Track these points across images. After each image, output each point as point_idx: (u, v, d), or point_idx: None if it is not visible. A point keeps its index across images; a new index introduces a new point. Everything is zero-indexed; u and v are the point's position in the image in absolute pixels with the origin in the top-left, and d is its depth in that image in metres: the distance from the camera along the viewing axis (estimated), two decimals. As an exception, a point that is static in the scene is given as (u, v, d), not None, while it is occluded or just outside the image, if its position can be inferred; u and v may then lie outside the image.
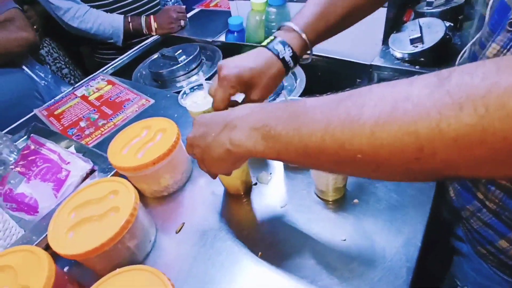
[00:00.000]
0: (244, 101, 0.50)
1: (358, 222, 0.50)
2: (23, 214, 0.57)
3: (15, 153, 0.66)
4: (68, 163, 0.59)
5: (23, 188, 0.56)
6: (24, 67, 1.04)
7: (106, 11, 1.23)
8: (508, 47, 0.37)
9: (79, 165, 0.60)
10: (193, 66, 1.02)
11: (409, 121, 0.22)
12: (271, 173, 0.61)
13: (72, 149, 0.67)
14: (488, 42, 0.42)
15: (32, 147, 0.59)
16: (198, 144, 0.41)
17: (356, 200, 0.53)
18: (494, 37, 0.39)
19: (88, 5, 1.20)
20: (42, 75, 1.09)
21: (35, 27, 1.21)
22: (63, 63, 1.35)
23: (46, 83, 1.09)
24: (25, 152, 0.60)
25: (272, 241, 0.51)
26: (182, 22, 1.25)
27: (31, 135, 0.63)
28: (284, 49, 0.48)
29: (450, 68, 0.22)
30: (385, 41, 0.88)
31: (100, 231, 0.46)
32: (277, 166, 0.63)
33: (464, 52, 0.66)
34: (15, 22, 0.98)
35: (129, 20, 1.23)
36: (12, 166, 0.60)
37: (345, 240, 0.49)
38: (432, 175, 0.24)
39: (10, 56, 0.98)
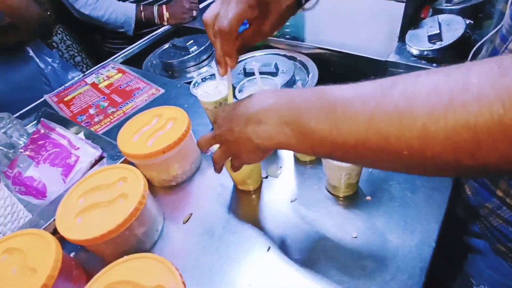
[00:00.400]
0: (250, 34, 0.45)
1: (370, 219, 0.49)
2: (31, 198, 0.57)
3: (25, 137, 0.65)
4: (78, 148, 0.58)
5: (32, 172, 0.55)
6: (30, 51, 1.03)
7: None
8: None
9: (88, 151, 0.59)
10: (204, 57, 1.01)
11: (468, 115, 0.20)
12: (281, 167, 0.60)
13: (81, 135, 0.67)
14: (510, 35, 0.40)
15: (42, 131, 0.59)
16: (225, 139, 0.39)
17: (369, 197, 0.52)
18: None
19: None
20: (49, 60, 1.08)
21: (48, 13, 1.20)
22: (76, 51, 1.34)
23: (52, 68, 1.08)
24: (35, 136, 0.59)
25: (281, 235, 0.50)
26: (194, 13, 1.24)
27: (41, 119, 0.63)
28: None
29: (509, 55, 0.21)
30: (401, 37, 0.85)
31: (109, 218, 0.46)
32: (287, 159, 0.61)
33: (476, 48, 0.64)
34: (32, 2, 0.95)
35: (141, 9, 1.22)
36: (22, 150, 0.60)
37: (356, 237, 0.47)
38: (483, 171, 0.21)
39: (24, 29, 0.94)
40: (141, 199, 0.47)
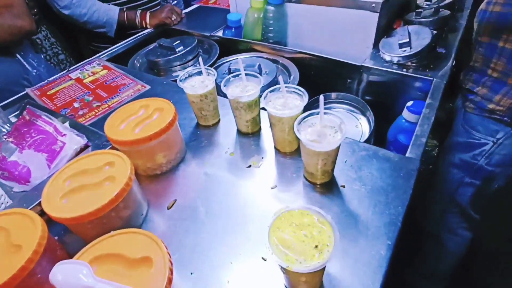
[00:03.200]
0: None
1: (344, 204, 0.53)
2: (14, 184, 0.57)
3: (8, 125, 0.65)
4: (64, 135, 0.59)
5: (15, 157, 0.56)
6: (17, 55, 1.02)
7: (104, 1, 1.24)
8: None
9: (74, 139, 0.60)
10: (190, 57, 1.04)
11: None
12: (263, 157, 0.64)
13: (66, 125, 0.67)
14: None
15: (27, 117, 0.59)
16: None
17: (343, 184, 0.56)
18: None
19: None
20: (35, 64, 1.07)
21: (35, 10, 1.19)
22: (60, 48, 1.33)
23: (37, 72, 1.07)
24: (20, 122, 0.60)
25: (261, 218, 0.53)
26: (174, 17, 1.27)
27: (27, 106, 0.63)
28: None
29: None
30: (375, 45, 0.93)
31: (95, 199, 0.47)
32: (269, 151, 0.65)
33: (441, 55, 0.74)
34: (12, 9, 0.94)
35: (124, 10, 1.24)
36: (6, 137, 0.60)
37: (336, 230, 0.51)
38: None
39: (2, 44, 0.96)
40: (128, 181, 0.49)
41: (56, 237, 0.54)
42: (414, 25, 0.90)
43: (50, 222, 0.46)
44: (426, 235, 1.04)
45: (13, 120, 0.76)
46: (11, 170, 0.55)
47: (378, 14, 0.87)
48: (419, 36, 0.86)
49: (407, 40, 0.84)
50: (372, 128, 0.82)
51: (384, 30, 0.96)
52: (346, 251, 0.47)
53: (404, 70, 0.84)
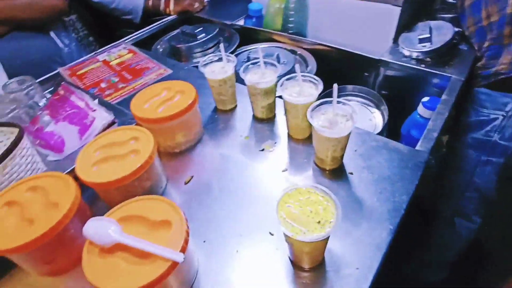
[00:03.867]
0: None
1: (350, 189, 0.56)
2: (49, 152, 0.63)
3: (45, 99, 0.71)
4: (94, 110, 0.65)
5: (52, 128, 0.62)
6: (51, 32, 1.09)
7: None
8: None
9: (103, 115, 0.66)
10: (211, 45, 1.08)
11: None
12: (276, 142, 0.67)
13: (96, 102, 0.73)
14: None
15: (62, 92, 0.65)
16: None
17: (351, 171, 0.59)
18: None
19: None
20: (67, 42, 1.14)
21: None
22: (88, 32, 1.40)
23: (69, 50, 1.14)
24: (56, 97, 0.65)
25: (271, 196, 0.56)
26: (197, 4, 1.30)
27: (62, 82, 0.69)
28: None
29: None
30: (396, 39, 0.93)
31: (121, 168, 0.52)
32: (282, 136, 0.68)
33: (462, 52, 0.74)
34: None
35: None
36: (43, 109, 0.66)
37: (339, 206, 0.54)
38: None
39: (38, 21, 1.02)
40: (151, 154, 0.54)
41: (86, 204, 0.60)
42: (436, 21, 0.90)
43: (80, 188, 0.52)
44: (438, 221, 1.04)
45: (47, 96, 0.82)
46: (47, 140, 0.61)
47: (400, 8, 0.87)
48: (441, 32, 0.85)
49: (428, 35, 0.85)
50: (385, 121, 0.83)
51: (405, 25, 0.95)
52: (349, 232, 0.50)
53: (423, 65, 0.85)
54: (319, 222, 0.40)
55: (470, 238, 1.00)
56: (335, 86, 0.51)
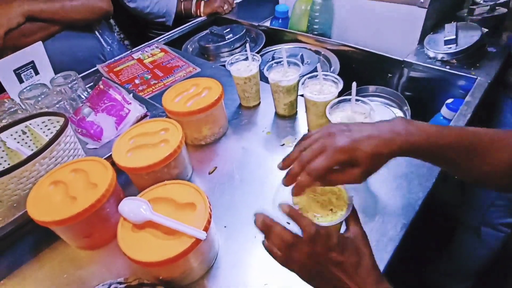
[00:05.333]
0: None
1: (366, 184, 0.58)
2: (89, 140, 0.69)
3: (86, 93, 0.79)
4: (130, 103, 0.71)
5: (92, 118, 0.68)
6: (96, 32, 1.18)
7: None
8: None
9: (137, 107, 0.72)
10: (238, 45, 1.12)
11: None
12: (296, 138, 0.70)
13: (131, 96, 0.79)
14: None
15: (102, 87, 0.72)
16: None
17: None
18: None
19: None
20: (110, 41, 1.22)
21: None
22: (125, 35, 1.50)
23: (111, 49, 1.22)
24: (96, 91, 0.72)
25: (289, 188, 0.59)
26: (226, 6, 1.35)
27: (102, 78, 0.76)
28: None
29: None
30: (421, 41, 0.92)
31: (153, 155, 0.57)
32: (303, 132, 0.71)
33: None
34: None
35: (181, 0, 1.35)
36: (84, 101, 0.73)
37: (352, 196, 0.56)
38: None
39: (87, 22, 1.10)
40: (180, 144, 0.58)
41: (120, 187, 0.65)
42: (463, 22, 0.89)
43: (116, 173, 0.57)
44: (464, 229, 1.02)
45: (88, 90, 0.90)
46: (88, 129, 0.67)
47: (426, 10, 0.87)
48: (467, 34, 0.84)
49: (453, 37, 0.84)
50: (407, 122, 0.83)
51: (432, 27, 0.95)
52: (363, 224, 0.52)
53: (447, 67, 0.84)
54: (331, 210, 0.42)
55: (497, 248, 0.97)
56: (354, 84, 0.53)
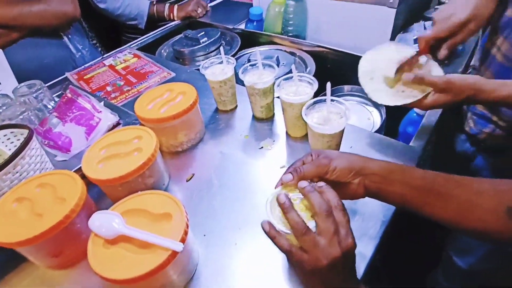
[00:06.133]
0: None
1: (346, 184, 0.58)
2: (57, 152, 0.66)
3: (53, 102, 0.75)
4: (100, 112, 0.68)
5: (60, 129, 0.65)
6: (64, 37, 1.11)
7: None
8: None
9: (108, 116, 0.69)
10: (213, 48, 1.10)
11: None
12: (274, 141, 0.69)
13: (102, 104, 0.76)
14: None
15: (69, 95, 0.68)
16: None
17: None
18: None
19: None
20: (80, 47, 1.16)
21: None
22: (97, 40, 1.44)
23: (81, 55, 1.17)
24: (63, 100, 0.68)
25: (269, 191, 0.58)
26: (200, 11, 1.34)
27: (69, 86, 0.72)
28: None
29: None
30: (392, 40, 0.95)
31: (125, 165, 0.54)
32: (281, 135, 0.70)
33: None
34: None
35: (154, 3, 1.32)
36: (51, 111, 0.69)
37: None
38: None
39: (51, 28, 1.04)
40: (154, 152, 0.56)
41: (92, 200, 0.62)
42: (431, 22, 0.92)
43: (86, 185, 0.54)
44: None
45: (56, 99, 0.85)
46: (55, 140, 0.64)
47: (395, 10, 0.89)
48: (436, 32, 0.87)
49: (423, 35, 0.86)
50: (383, 120, 0.85)
51: (401, 26, 0.97)
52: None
53: (418, 65, 0.86)
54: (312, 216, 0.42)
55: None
56: (328, 84, 0.53)
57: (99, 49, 1.42)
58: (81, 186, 0.51)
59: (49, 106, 0.74)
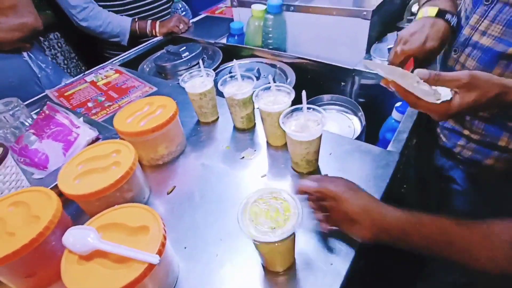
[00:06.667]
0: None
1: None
2: (34, 170, 0.64)
3: (30, 120, 0.73)
4: (78, 127, 0.67)
5: (36, 146, 0.63)
6: (24, 54, 1.08)
7: (117, 13, 1.34)
8: (484, 17, 0.54)
9: (87, 131, 0.68)
10: (194, 62, 1.12)
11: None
12: (255, 150, 0.70)
13: (80, 120, 0.75)
14: (471, 14, 0.58)
15: (47, 112, 0.67)
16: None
17: (326, 174, 0.61)
18: (475, 9, 0.56)
19: (100, 5, 1.30)
20: (43, 65, 1.13)
21: (47, 11, 1.26)
22: (74, 55, 1.43)
23: (45, 73, 1.14)
24: (41, 116, 0.68)
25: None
26: (182, 25, 1.36)
27: (47, 102, 0.71)
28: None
29: None
30: (368, 50, 0.98)
31: (103, 180, 0.54)
32: (262, 145, 0.71)
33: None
34: (17, 9, 0.99)
35: (136, 20, 1.34)
36: (28, 128, 0.68)
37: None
38: None
39: (8, 42, 1.00)
40: (132, 165, 0.56)
41: (69, 216, 0.61)
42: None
43: (64, 202, 0.53)
44: None
45: (34, 117, 0.84)
46: (31, 157, 0.63)
47: (369, 21, 0.93)
48: (408, 42, 0.90)
49: (396, 45, 0.89)
50: (362, 127, 0.87)
51: (376, 37, 1.01)
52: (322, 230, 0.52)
53: (394, 73, 0.89)
54: (285, 220, 0.42)
55: None
56: (304, 93, 0.55)
57: (76, 62, 1.39)
58: (56, 203, 0.50)
59: (26, 124, 0.73)
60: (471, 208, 0.72)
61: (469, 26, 0.59)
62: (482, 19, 0.56)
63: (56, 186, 0.58)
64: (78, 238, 0.42)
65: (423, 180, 0.93)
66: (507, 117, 0.56)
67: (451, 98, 0.46)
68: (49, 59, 1.18)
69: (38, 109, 0.87)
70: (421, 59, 0.60)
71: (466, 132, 0.63)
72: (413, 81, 0.47)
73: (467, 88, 0.44)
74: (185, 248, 0.53)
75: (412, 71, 0.49)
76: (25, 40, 1.06)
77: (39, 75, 1.11)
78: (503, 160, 0.61)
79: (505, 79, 0.46)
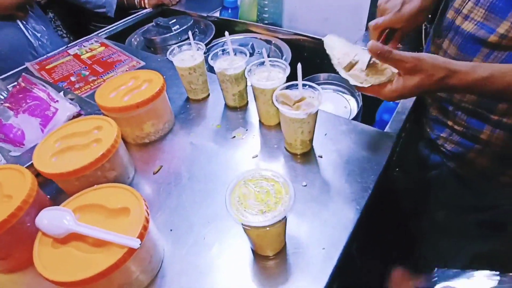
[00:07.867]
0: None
1: (319, 172, 0.56)
2: (10, 146, 0.60)
3: (5, 92, 0.68)
4: (57, 101, 0.62)
5: (12, 120, 0.59)
6: (19, 22, 1.04)
7: None
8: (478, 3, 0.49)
9: (67, 106, 0.63)
10: (185, 36, 1.06)
11: None
12: (247, 130, 0.66)
13: (61, 94, 0.70)
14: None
15: (23, 84, 0.62)
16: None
17: (320, 155, 0.59)
18: None
19: None
20: (38, 34, 1.08)
21: None
22: (64, 32, 1.36)
23: (41, 44, 1.09)
24: (16, 89, 0.63)
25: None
26: None
27: (23, 74, 0.66)
28: None
29: None
30: (367, 27, 0.93)
31: (82, 158, 0.50)
32: (254, 124, 0.67)
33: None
34: None
35: None
36: (2, 102, 0.63)
37: (305, 185, 0.54)
38: None
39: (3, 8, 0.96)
40: (114, 143, 0.52)
41: (48, 196, 0.57)
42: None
43: (43, 182, 0.50)
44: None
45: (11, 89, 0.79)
46: (6, 133, 0.58)
47: (370, -4, 0.88)
48: (411, 18, 0.86)
49: (398, 21, 0.85)
50: (359, 107, 0.83)
51: (376, 13, 0.96)
52: (316, 214, 0.50)
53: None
54: (276, 203, 0.39)
55: None
56: (299, 66, 0.51)
57: (65, 38, 1.33)
58: (31, 181, 0.46)
59: (1, 96, 0.67)
60: (456, 199, 0.69)
61: (453, 8, 0.54)
62: (467, 0, 0.51)
63: (32, 164, 0.54)
64: (52, 220, 0.39)
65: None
66: (489, 109, 0.53)
67: (391, 80, 0.48)
68: (43, 28, 1.11)
69: (15, 82, 0.81)
70: (405, 30, 0.56)
71: (450, 123, 0.59)
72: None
73: (410, 72, 0.45)
74: (171, 230, 0.50)
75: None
76: (21, 7, 1.00)
77: (35, 45, 1.06)
78: (485, 155, 0.58)
79: (453, 61, 0.44)
